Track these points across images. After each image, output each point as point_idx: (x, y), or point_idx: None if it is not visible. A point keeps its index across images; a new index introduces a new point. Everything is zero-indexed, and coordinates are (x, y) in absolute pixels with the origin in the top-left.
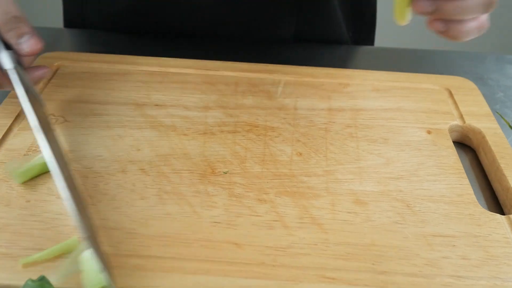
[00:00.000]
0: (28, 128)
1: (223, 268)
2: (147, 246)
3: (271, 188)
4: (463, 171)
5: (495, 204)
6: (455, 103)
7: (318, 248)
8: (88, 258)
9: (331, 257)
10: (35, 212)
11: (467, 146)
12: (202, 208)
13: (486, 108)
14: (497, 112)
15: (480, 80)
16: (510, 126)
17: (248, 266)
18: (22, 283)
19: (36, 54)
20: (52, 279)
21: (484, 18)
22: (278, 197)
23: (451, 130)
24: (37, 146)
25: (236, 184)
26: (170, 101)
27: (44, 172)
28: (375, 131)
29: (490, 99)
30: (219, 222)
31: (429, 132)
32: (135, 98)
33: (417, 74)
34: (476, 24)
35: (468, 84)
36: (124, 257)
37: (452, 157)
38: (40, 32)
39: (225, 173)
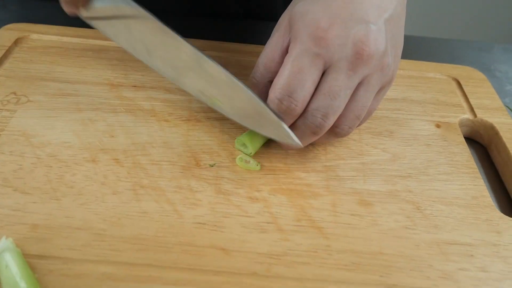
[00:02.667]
0: None
1: (208, 278)
2: (118, 250)
3: (264, 185)
4: (477, 170)
5: (510, 207)
6: (464, 94)
7: (319, 256)
8: (5, 264)
9: (333, 267)
10: None
11: (476, 142)
12: (184, 207)
13: (498, 102)
14: (507, 106)
15: (487, 72)
16: None
17: (237, 277)
18: None
19: None
20: None
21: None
22: (272, 195)
23: (461, 124)
24: None
25: (224, 179)
26: (150, 82)
27: None
28: (380, 122)
29: (499, 92)
30: (204, 224)
31: (438, 126)
32: (110, 77)
33: (422, 62)
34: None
35: (477, 74)
36: (91, 263)
37: (465, 154)
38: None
39: (212, 166)
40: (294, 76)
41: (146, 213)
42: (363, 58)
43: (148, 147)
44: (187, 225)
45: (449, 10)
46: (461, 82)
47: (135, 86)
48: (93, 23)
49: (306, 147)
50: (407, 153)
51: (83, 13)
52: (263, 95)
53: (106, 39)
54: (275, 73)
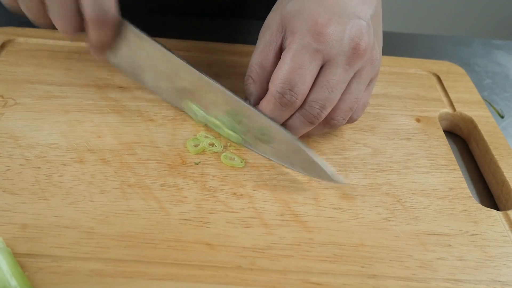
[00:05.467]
0: None
1: (194, 273)
2: (106, 247)
3: (249, 181)
4: (456, 162)
5: (488, 199)
6: (444, 89)
7: (302, 249)
8: None
9: (316, 259)
10: None
11: (456, 136)
12: (170, 204)
13: (477, 95)
14: (485, 100)
15: (466, 66)
16: (499, 114)
17: (223, 270)
18: None
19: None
20: None
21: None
22: (256, 191)
23: (441, 118)
24: None
25: (209, 176)
26: (136, 83)
27: None
28: (361, 118)
29: (478, 86)
30: (190, 220)
31: (418, 120)
32: (96, 79)
33: (402, 58)
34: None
35: (457, 69)
36: (79, 261)
37: (444, 147)
38: None
39: (197, 163)
40: (295, 71)
41: (133, 211)
42: (359, 52)
43: (134, 147)
44: (174, 221)
45: (429, 5)
46: (441, 77)
47: (121, 87)
48: (122, 69)
49: None
50: (387, 148)
51: (111, 59)
52: (261, 95)
53: None
54: (270, 72)
